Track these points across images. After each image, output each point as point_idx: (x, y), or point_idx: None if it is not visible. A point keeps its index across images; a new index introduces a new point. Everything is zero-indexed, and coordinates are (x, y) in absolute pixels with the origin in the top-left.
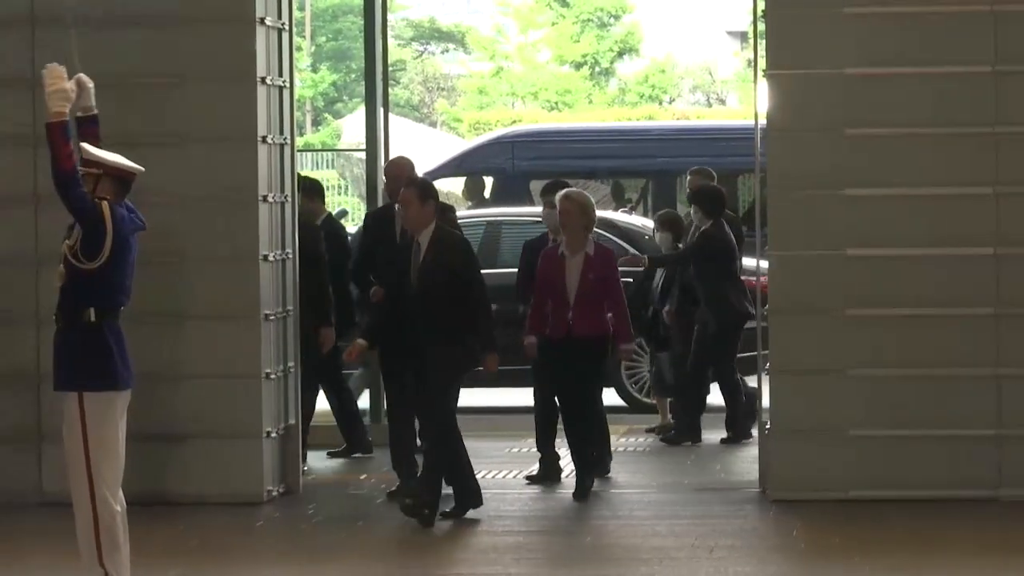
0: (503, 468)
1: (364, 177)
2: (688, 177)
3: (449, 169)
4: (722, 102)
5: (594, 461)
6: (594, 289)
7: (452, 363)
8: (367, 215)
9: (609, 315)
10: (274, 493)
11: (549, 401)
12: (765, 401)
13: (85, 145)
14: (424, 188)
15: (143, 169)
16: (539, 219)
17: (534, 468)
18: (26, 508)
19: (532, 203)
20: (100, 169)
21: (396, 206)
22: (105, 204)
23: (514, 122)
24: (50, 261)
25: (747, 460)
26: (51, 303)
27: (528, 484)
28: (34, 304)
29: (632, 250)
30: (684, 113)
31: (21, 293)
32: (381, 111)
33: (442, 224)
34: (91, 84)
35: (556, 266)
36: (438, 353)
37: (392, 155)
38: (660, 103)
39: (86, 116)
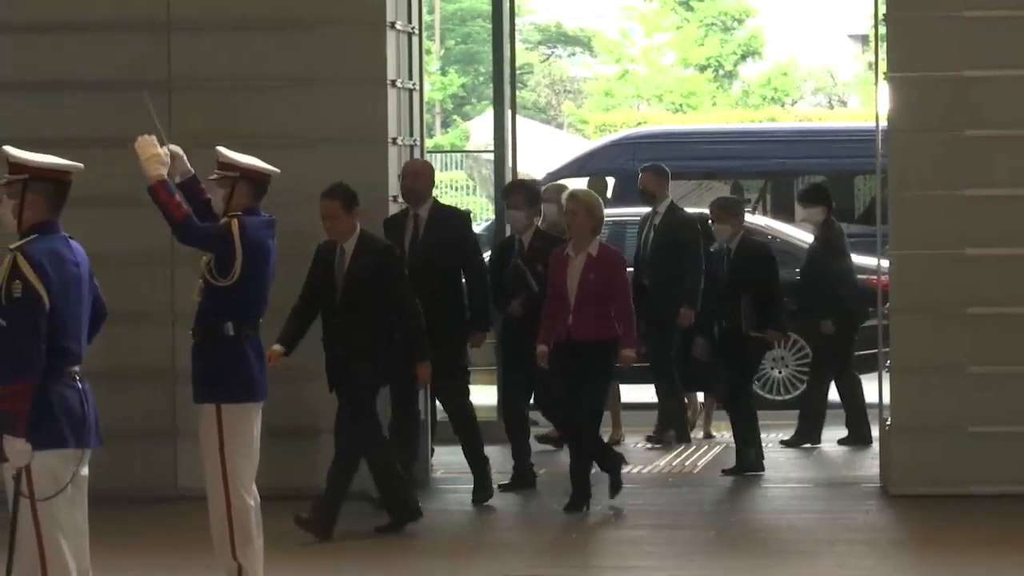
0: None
1: (492, 178)
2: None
3: (572, 170)
4: (843, 104)
5: (585, 481)
6: (595, 291)
7: (370, 377)
8: (384, 221)
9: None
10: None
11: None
12: (886, 398)
13: (221, 148)
14: (349, 197)
15: (278, 171)
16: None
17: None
18: (162, 502)
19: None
20: (237, 172)
21: (408, 210)
22: (234, 222)
23: (639, 124)
24: (185, 261)
25: (868, 456)
26: (184, 304)
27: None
28: (170, 303)
29: None
30: (806, 115)
31: (157, 293)
32: (509, 113)
33: (366, 230)
34: (182, 151)
35: (561, 267)
36: (358, 366)
37: (519, 157)
38: (782, 105)
39: (186, 179)
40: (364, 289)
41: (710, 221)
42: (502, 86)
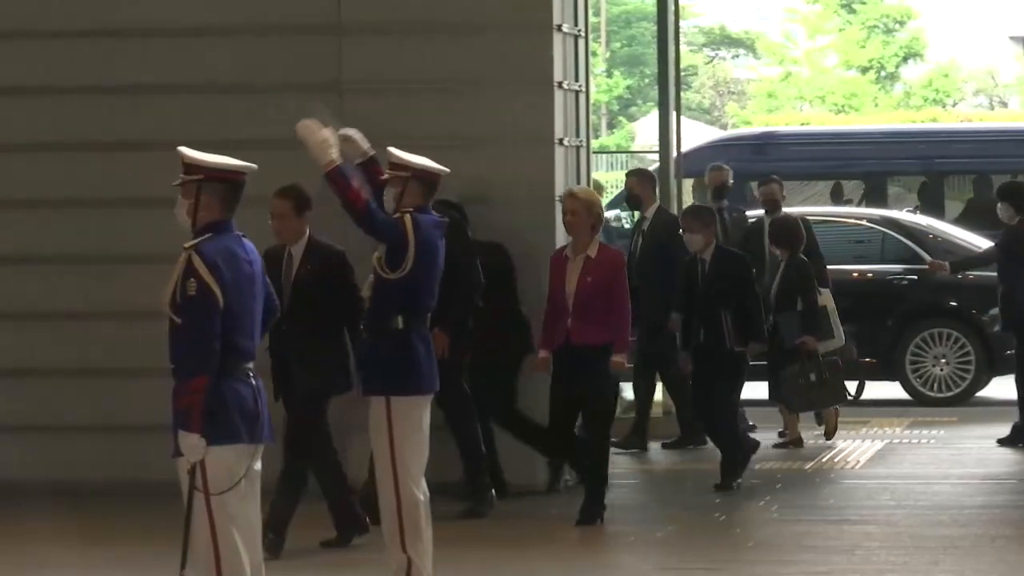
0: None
1: (658, 176)
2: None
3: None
4: (1004, 105)
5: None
6: (594, 294)
7: (319, 387)
8: None
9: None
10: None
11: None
12: None
13: (392, 149)
14: (301, 198)
15: (448, 170)
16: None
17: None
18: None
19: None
20: (408, 172)
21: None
22: (408, 217)
23: (802, 125)
24: (356, 260)
25: None
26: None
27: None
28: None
29: (921, 252)
30: (967, 116)
31: None
32: (673, 114)
33: (315, 235)
34: (353, 132)
35: (559, 269)
36: (305, 376)
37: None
38: (944, 106)
39: (365, 160)
40: (312, 295)
41: (680, 231)
42: (667, 88)
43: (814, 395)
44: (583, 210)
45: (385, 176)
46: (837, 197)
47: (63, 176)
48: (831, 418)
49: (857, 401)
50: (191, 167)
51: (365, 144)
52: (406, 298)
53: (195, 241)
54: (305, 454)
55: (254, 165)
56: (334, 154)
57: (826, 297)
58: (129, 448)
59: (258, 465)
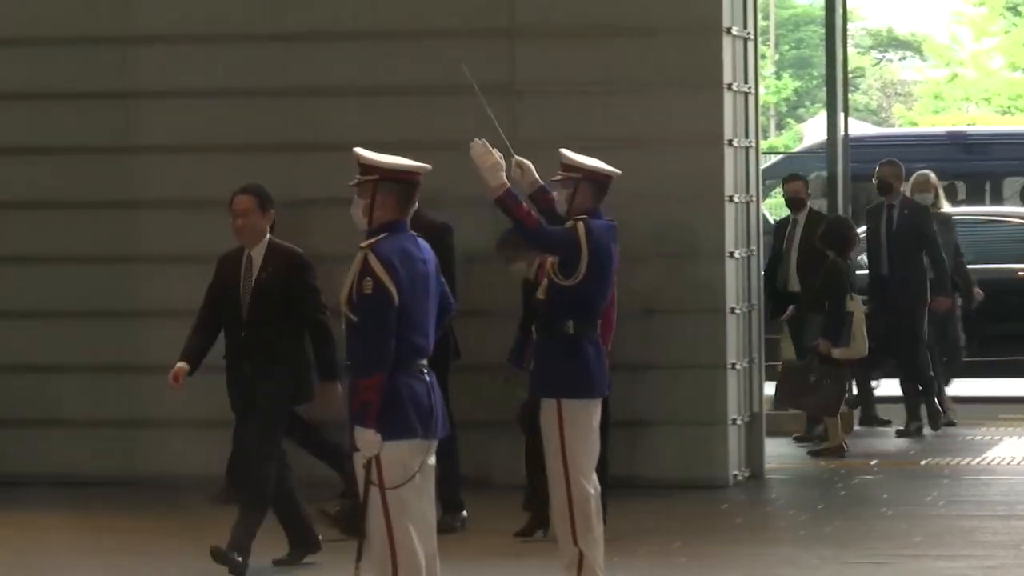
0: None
1: (826, 177)
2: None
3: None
4: None
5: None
6: None
7: (280, 398)
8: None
9: None
10: (739, 477)
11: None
12: None
13: (564, 151)
14: (264, 197)
15: (619, 172)
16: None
17: None
18: (510, 489)
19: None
20: (580, 173)
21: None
22: (580, 225)
23: (968, 125)
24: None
25: None
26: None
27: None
28: (515, 300)
29: None
30: None
31: (501, 288)
32: (841, 115)
33: (275, 238)
34: (530, 164)
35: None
36: (266, 386)
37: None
38: None
39: (535, 192)
40: (273, 300)
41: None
42: (835, 89)
43: (805, 398)
44: None
45: (558, 177)
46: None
47: (239, 176)
48: (843, 422)
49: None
50: (367, 168)
51: (535, 175)
52: (578, 303)
53: (371, 240)
54: (243, 476)
55: (428, 166)
56: (503, 178)
57: (855, 304)
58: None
59: (432, 460)
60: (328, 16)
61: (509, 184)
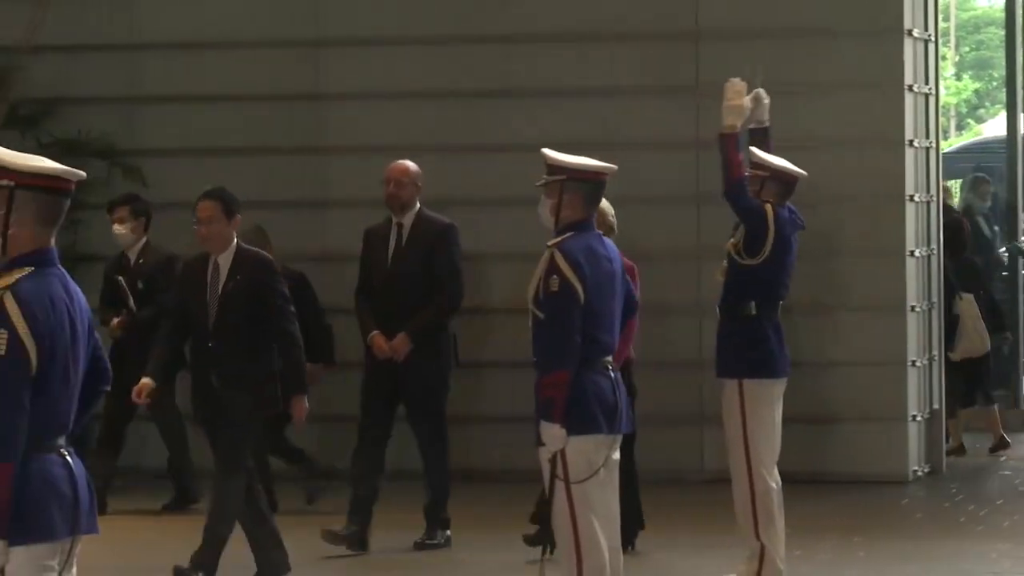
0: None
1: (1005, 177)
2: None
3: None
4: None
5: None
6: None
7: (244, 413)
8: (366, 231)
9: None
10: (919, 473)
11: None
12: None
13: (754, 149)
14: (231, 201)
15: (805, 174)
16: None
17: None
18: (689, 484)
19: None
20: (767, 172)
21: (392, 219)
22: (769, 207)
23: None
24: (711, 256)
25: None
26: (711, 295)
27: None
28: (696, 295)
29: None
30: None
31: (683, 285)
32: (1021, 116)
33: (243, 243)
34: (767, 99)
35: None
36: (234, 400)
37: None
38: None
39: (759, 128)
40: (241, 309)
41: None
42: (1015, 90)
43: None
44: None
45: (747, 173)
46: None
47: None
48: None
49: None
50: (554, 168)
51: (765, 115)
52: (760, 285)
53: (558, 239)
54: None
55: (614, 166)
56: (738, 123)
57: (964, 304)
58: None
59: (616, 455)
60: (515, 19)
61: (739, 130)
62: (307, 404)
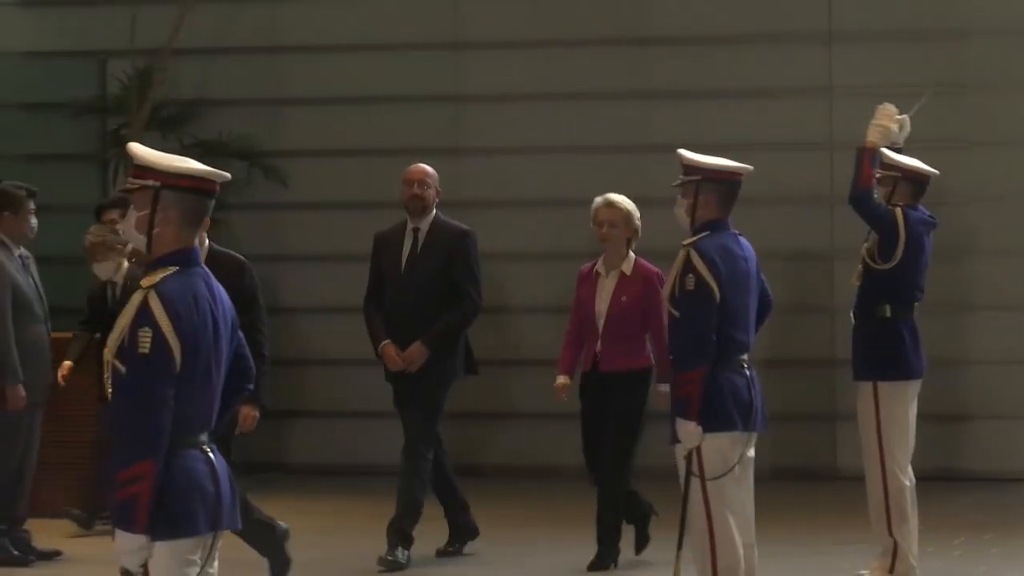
0: None
1: None
2: None
3: None
4: None
5: (614, 534)
6: (629, 315)
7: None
8: (376, 236)
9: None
10: None
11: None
12: None
13: (887, 151)
14: None
15: (937, 172)
16: None
17: None
18: (821, 482)
19: None
20: (899, 172)
21: (407, 223)
22: (899, 211)
23: None
24: (843, 256)
25: None
26: (843, 295)
27: None
28: (829, 296)
29: None
30: None
31: (816, 285)
32: None
33: (215, 245)
34: (909, 128)
35: (589, 287)
36: None
37: None
38: None
39: (892, 148)
40: None
41: None
42: None
43: None
44: (621, 221)
45: (878, 175)
46: None
47: (570, 176)
48: None
49: None
50: (690, 168)
51: (902, 140)
52: (894, 288)
53: (694, 239)
54: None
55: (749, 167)
56: (879, 142)
57: None
58: None
59: (751, 452)
60: (652, 22)
61: (879, 149)
62: (258, 415)
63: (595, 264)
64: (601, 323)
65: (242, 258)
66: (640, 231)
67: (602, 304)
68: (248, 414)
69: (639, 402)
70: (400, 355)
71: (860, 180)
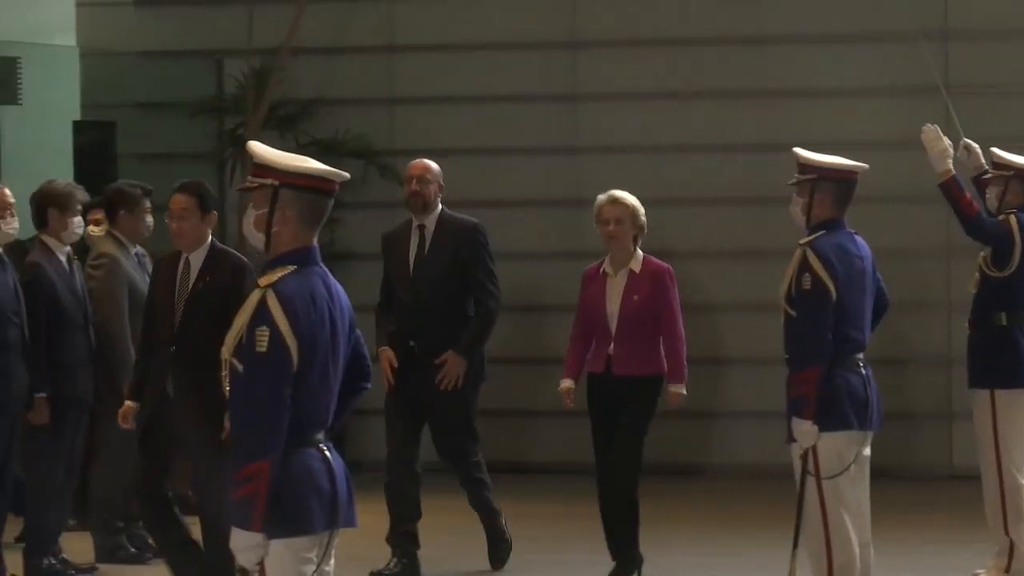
0: None
1: None
2: None
3: None
4: None
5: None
6: (641, 315)
7: (198, 430)
8: (383, 236)
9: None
10: None
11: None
12: None
13: (995, 150)
14: (206, 197)
15: None
16: None
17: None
18: (938, 480)
19: None
20: (1011, 171)
21: (412, 221)
22: (1012, 218)
23: None
24: (960, 255)
25: None
26: (960, 293)
27: None
28: (945, 294)
29: None
30: None
31: (932, 284)
32: None
33: (217, 241)
34: (976, 147)
35: (597, 287)
36: (195, 414)
37: None
38: None
39: (979, 175)
40: (210, 314)
41: None
42: None
43: None
44: (627, 218)
45: (988, 176)
46: None
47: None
48: None
49: None
50: (806, 167)
51: (981, 159)
52: (1009, 295)
53: (810, 238)
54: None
55: (865, 165)
56: (950, 165)
57: None
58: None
59: (867, 451)
60: (766, 21)
61: (954, 171)
62: None
63: (601, 264)
64: (614, 324)
65: (244, 259)
66: (646, 227)
67: (613, 304)
68: None
69: (652, 408)
70: (441, 373)
71: (962, 210)
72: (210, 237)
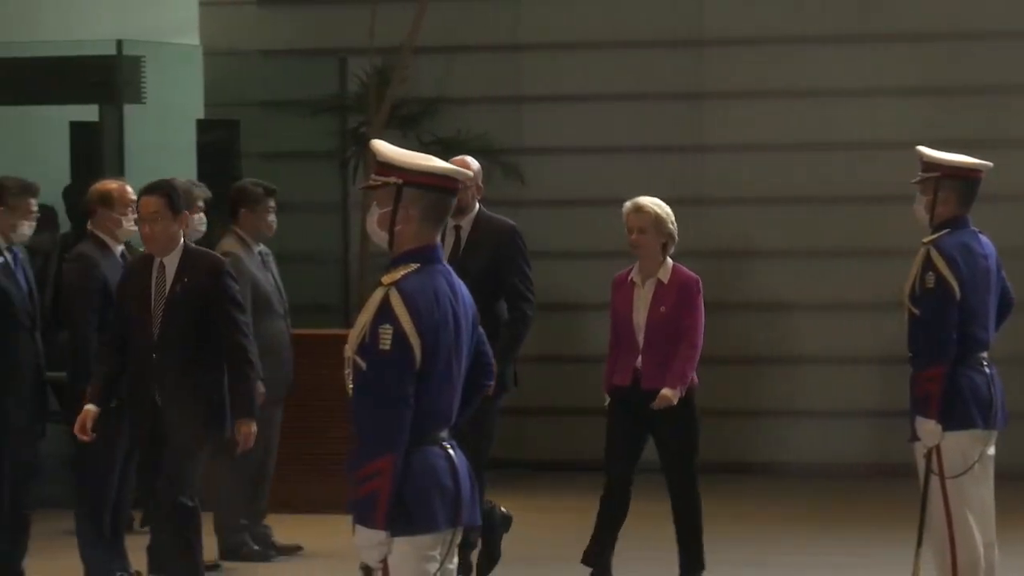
0: None
1: None
2: None
3: None
4: None
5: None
6: (668, 327)
7: (198, 437)
8: None
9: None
10: None
11: (617, 481)
12: None
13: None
14: (175, 196)
15: None
16: None
17: None
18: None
19: None
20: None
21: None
22: None
23: None
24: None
25: None
26: None
27: None
28: None
29: None
30: None
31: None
32: None
33: (191, 244)
34: None
35: (624, 296)
36: (180, 422)
37: None
38: None
39: None
40: (190, 318)
41: None
42: None
43: None
44: (651, 227)
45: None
46: None
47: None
48: None
49: None
50: (929, 165)
51: None
52: None
53: (934, 236)
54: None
55: (989, 163)
56: None
57: None
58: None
59: (991, 450)
60: (879, 18)
61: None
62: (255, 430)
63: (630, 271)
64: (641, 336)
65: (221, 258)
66: (676, 235)
67: (639, 316)
68: (246, 433)
69: (696, 424)
70: None
71: None
72: (182, 239)
